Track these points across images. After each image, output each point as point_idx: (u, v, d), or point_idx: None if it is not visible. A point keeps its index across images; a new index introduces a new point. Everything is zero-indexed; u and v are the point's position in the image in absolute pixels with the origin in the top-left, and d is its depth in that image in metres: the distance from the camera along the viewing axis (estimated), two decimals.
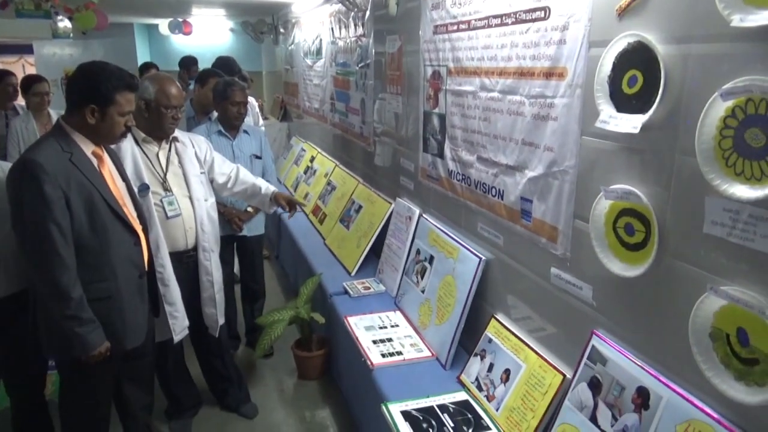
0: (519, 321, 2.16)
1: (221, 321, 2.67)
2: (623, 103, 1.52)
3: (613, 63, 1.53)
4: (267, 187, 2.75)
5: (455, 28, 2.47)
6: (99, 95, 1.86)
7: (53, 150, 1.82)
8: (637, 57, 1.45)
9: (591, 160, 1.68)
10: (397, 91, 3.28)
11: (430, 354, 2.50)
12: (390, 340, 2.63)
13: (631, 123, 1.45)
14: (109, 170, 2.00)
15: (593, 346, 1.69)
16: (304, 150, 5.89)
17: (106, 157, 2.01)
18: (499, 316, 2.26)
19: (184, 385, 2.78)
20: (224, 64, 4.44)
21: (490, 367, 2.16)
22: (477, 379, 2.20)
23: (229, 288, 3.36)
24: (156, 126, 2.39)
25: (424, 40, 2.81)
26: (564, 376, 1.82)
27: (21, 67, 12.42)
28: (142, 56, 9.41)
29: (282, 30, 7.04)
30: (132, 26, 9.34)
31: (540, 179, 1.93)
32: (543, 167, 1.91)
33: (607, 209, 1.60)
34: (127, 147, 2.38)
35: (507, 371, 2.07)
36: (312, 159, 5.48)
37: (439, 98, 2.70)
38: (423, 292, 2.74)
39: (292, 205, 2.78)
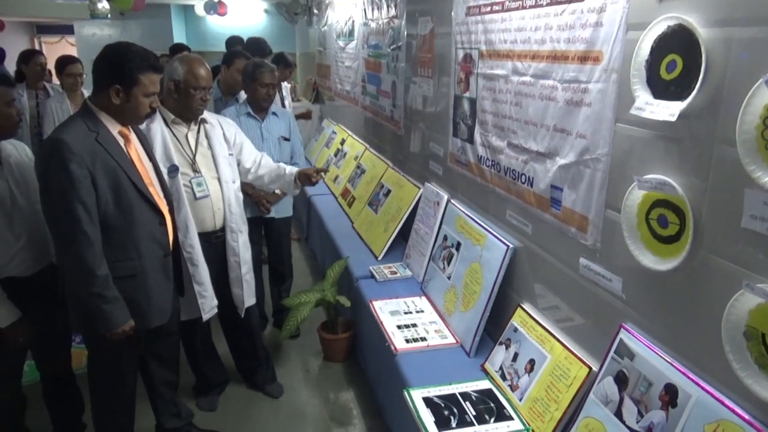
0: (545, 311, 2.12)
1: (249, 302, 2.70)
2: (661, 90, 1.45)
3: (652, 47, 1.46)
4: (290, 169, 2.74)
5: (488, 9, 2.40)
6: (123, 76, 1.87)
7: (80, 130, 1.85)
8: (677, 41, 1.38)
9: (625, 148, 1.62)
10: (427, 75, 3.23)
11: (454, 341, 2.48)
12: (414, 325, 2.62)
13: (668, 110, 1.39)
14: (135, 150, 2.02)
15: (621, 339, 1.65)
16: (335, 133, 5.89)
17: (132, 137, 2.04)
18: (526, 306, 2.22)
19: (212, 363, 2.83)
20: (255, 45, 4.44)
21: (515, 356, 2.13)
22: (501, 368, 2.17)
23: (257, 269, 3.40)
24: (185, 107, 2.41)
25: (456, 22, 2.75)
26: (590, 368, 1.79)
27: (62, 47, 12.70)
28: (178, 37, 9.53)
29: (315, 11, 7.00)
30: (168, 7, 9.46)
31: (571, 167, 1.88)
32: (575, 155, 1.85)
33: (640, 200, 1.54)
34: (157, 128, 2.40)
35: (532, 361, 2.04)
36: (342, 142, 5.47)
37: (470, 82, 2.64)
38: (449, 278, 2.72)
39: (315, 175, 2.72)
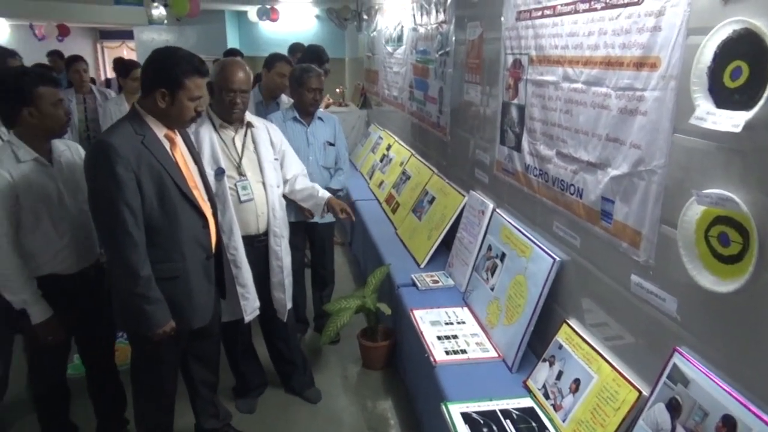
0: (593, 329, 2.03)
1: (289, 305, 2.71)
2: (724, 98, 1.35)
3: (715, 53, 1.37)
4: (323, 193, 2.73)
5: (539, 13, 2.33)
6: (169, 79, 1.90)
7: (127, 132, 1.89)
8: (743, 46, 1.29)
9: (683, 160, 1.53)
10: (475, 80, 3.17)
11: (496, 355, 2.41)
12: (455, 337, 2.56)
13: (732, 121, 1.29)
14: (181, 153, 2.05)
15: (675, 364, 1.55)
16: (381, 138, 5.88)
17: (178, 140, 2.07)
18: (572, 322, 2.13)
19: (251, 365, 2.85)
20: (313, 52, 4.49)
21: (559, 374, 2.04)
22: (544, 386, 2.09)
23: (299, 273, 3.42)
24: (221, 109, 2.44)
25: (505, 27, 2.68)
26: (640, 393, 1.69)
27: (122, 52, 13.25)
28: (232, 42, 9.76)
29: (365, 16, 7.03)
30: (223, 13, 9.69)
31: (624, 178, 1.78)
32: (628, 166, 1.76)
33: (699, 216, 1.44)
34: (206, 132, 2.44)
35: (577, 381, 1.95)
36: (388, 147, 5.46)
37: (518, 88, 2.57)
38: (492, 289, 2.64)
39: (341, 213, 2.71)
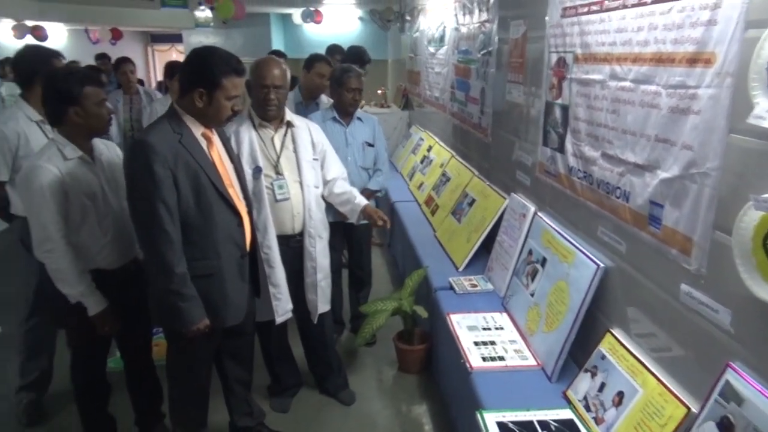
0: (638, 340, 1.93)
1: (323, 308, 2.69)
2: None
3: None
4: (360, 199, 2.70)
5: (586, 10, 2.24)
6: (206, 79, 1.91)
7: (165, 131, 1.91)
8: None
9: (739, 162, 1.43)
10: (518, 80, 3.09)
11: (535, 363, 2.33)
12: (493, 343, 2.49)
13: None
14: (217, 152, 2.06)
15: (727, 380, 1.45)
16: (422, 139, 5.83)
17: (215, 139, 2.08)
18: (616, 331, 2.03)
19: (286, 365, 2.85)
20: (355, 53, 4.50)
21: (602, 386, 1.95)
22: (585, 397, 2.00)
23: (337, 274, 3.40)
24: (257, 106, 2.45)
25: (550, 25, 2.59)
26: (688, 409, 1.59)
27: (172, 55, 13.63)
28: (277, 44, 9.89)
29: (408, 17, 7.00)
30: (268, 16, 9.84)
31: (674, 181, 1.69)
32: (679, 168, 1.66)
33: (756, 222, 1.34)
34: (246, 131, 2.46)
35: (620, 394, 1.85)
36: (429, 149, 5.40)
37: (562, 88, 2.48)
38: (532, 295, 2.56)
39: (378, 219, 2.64)
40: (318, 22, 8.94)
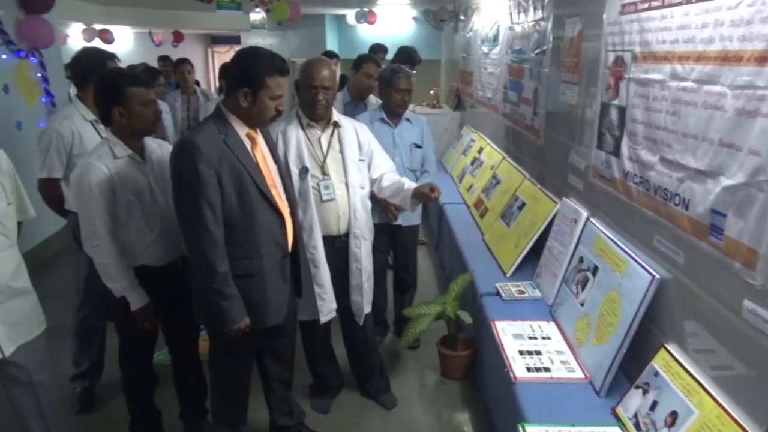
0: (695, 357, 1.81)
1: (367, 310, 2.67)
2: None
3: None
4: (409, 184, 2.62)
5: (646, 6, 2.12)
6: (250, 79, 1.92)
7: (210, 131, 1.93)
8: None
9: None
10: (572, 80, 2.97)
11: (582, 376, 2.23)
12: (539, 353, 2.40)
13: None
14: (261, 152, 2.07)
15: None
16: (473, 140, 5.74)
17: (260, 139, 2.09)
18: (671, 347, 1.91)
19: (328, 365, 2.85)
20: (404, 53, 4.46)
21: (654, 404, 1.84)
22: (635, 415, 1.89)
23: (381, 276, 3.39)
24: (305, 106, 2.45)
25: (608, 22, 2.48)
26: None
27: (230, 57, 13.97)
28: (331, 45, 10.00)
29: (462, 17, 6.91)
30: (323, 17, 9.95)
31: (739, 189, 1.56)
32: (745, 175, 1.54)
33: None
34: (293, 131, 2.47)
35: (674, 414, 1.74)
36: (480, 150, 5.31)
37: (620, 88, 2.36)
38: (582, 305, 2.45)
39: (429, 192, 2.50)
40: (372, 23, 8.97)
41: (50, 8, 4.78)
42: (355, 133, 2.57)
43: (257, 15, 6.50)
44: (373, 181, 2.65)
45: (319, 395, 2.88)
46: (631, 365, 2.10)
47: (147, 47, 11.56)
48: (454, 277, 3.55)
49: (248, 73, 1.92)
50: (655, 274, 2.01)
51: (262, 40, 11.48)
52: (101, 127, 2.59)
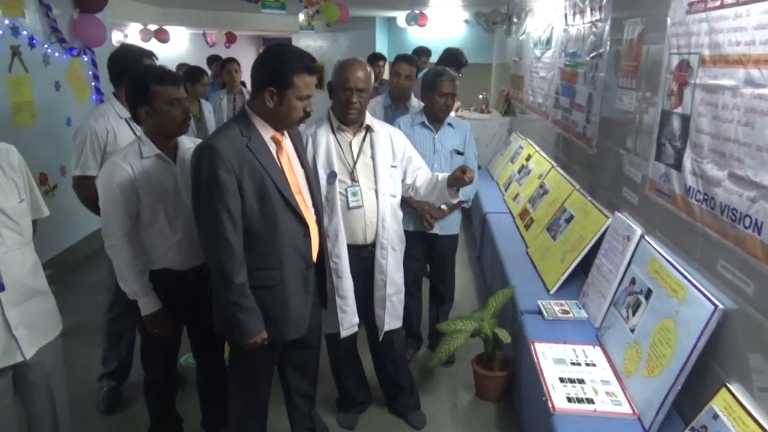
0: (763, 401, 1.58)
1: (392, 325, 2.53)
2: None
3: None
4: (443, 175, 2.43)
5: (718, 3, 1.90)
6: (277, 77, 1.81)
7: (233, 134, 1.83)
8: None
9: None
10: (630, 86, 2.75)
11: (630, 411, 2.02)
12: (581, 381, 2.20)
13: None
14: (287, 157, 1.96)
15: None
16: (522, 147, 5.52)
17: (286, 143, 1.98)
18: (734, 387, 1.68)
19: (354, 379, 2.72)
20: (451, 56, 4.30)
21: None
22: None
23: (415, 286, 3.24)
24: (338, 109, 2.33)
25: (672, 23, 2.26)
26: None
27: None
28: (381, 48, 9.92)
29: (515, 19, 6.68)
30: (374, 19, 9.89)
31: None
32: None
33: None
34: (324, 134, 2.36)
35: None
36: (528, 158, 5.09)
37: (683, 95, 2.14)
38: (632, 331, 2.24)
39: (461, 175, 2.27)
40: (422, 26, 8.83)
41: (104, 7, 4.87)
42: (389, 139, 2.43)
43: (305, 16, 6.46)
44: (408, 186, 2.51)
45: (345, 410, 2.75)
46: (686, 403, 1.89)
47: (201, 48, 11.79)
48: (495, 289, 3.37)
49: (275, 72, 1.81)
50: (718, 303, 1.79)
51: (313, 42, 11.53)
52: (135, 125, 2.55)
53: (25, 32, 4.13)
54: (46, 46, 4.38)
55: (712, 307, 1.80)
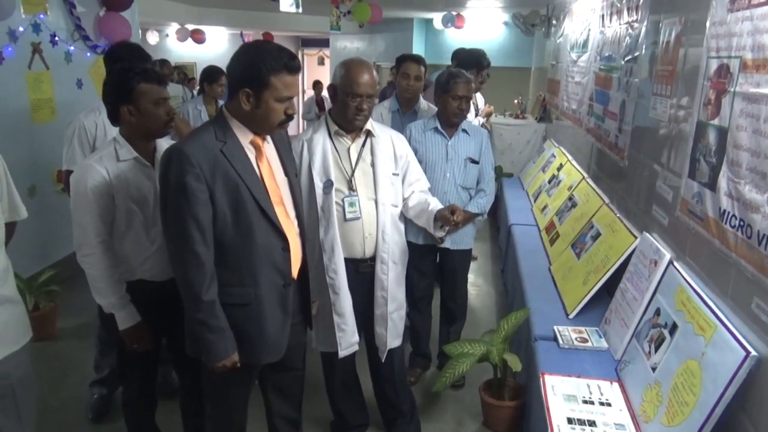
0: None
1: (393, 344, 2.34)
2: None
3: None
4: (435, 204, 2.26)
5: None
6: (252, 78, 1.64)
7: (206, 138, 1.68)
8: None
9: None
10: (665, 93, 2.48)
11: None
12: (592, 424, 1.95)
13: None
14: (267, 163, 1.79)
15: None
16: (554, 156, 5.23)
17: (267, 148, 1.81)
18: None
19: (351, 402, 2.55)
20: (471, 56, 4.02)
21: None
22: None
23: (424, 302, 3.04)
24: (342, 115, 2.15)
25: (712, 22, 2.00)
26: None
27: (318, 59, 14.16)
28: (417, 49, 9.73)
29: (554, 21, 6.39)
30: (411, 21, 9.72)
31: None
32: None
33: None
34: (319, 139, 2.19)
35: None
36: (560, 167, 4.80)
37: (721, 104, 1.88)
38: (653, 370, 1.98)
39: (450, 216, 2.13)
40: (459, 27, 8.61)
41: (130, 5, 4.86)
42: (391, 144, 2.25)
43: (334, 17, 6.33)
44: (403, 199, 2.33)
45: None
46: None
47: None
48: (515, 308, 3.13)
49: (250, 72, 1.65)
50: (751, 349, 1.53)
51: (350, 44, 11.46)
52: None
53: (46, 29, 4.13)
54: (68, 43, 4.38)
55: (744, 353, 1.54)
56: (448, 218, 2.11)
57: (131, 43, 2.84)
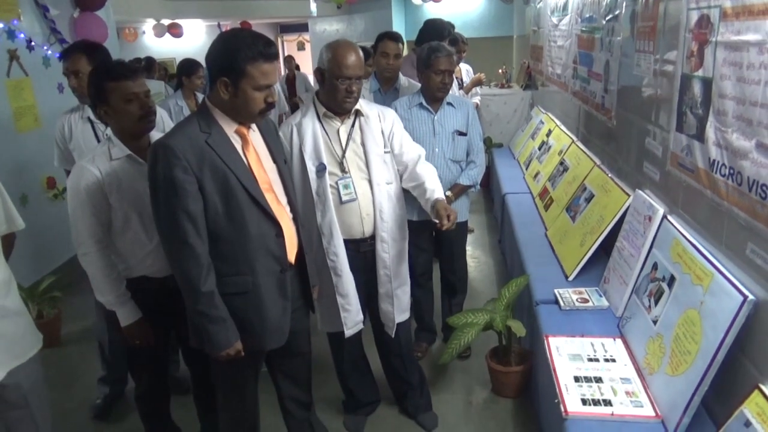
0: None
1: (400, 319, 2.37)
2: None
3: None
4: (433, 191, 2.24)
5: None
6: (229, 67, 1.63)
7: (191, 131, 1.67)
8: None
9: None
10: (647, 49, 2.49)
11: (653, 414, 1.81)
12: (599, 380, 2.00)
13: None
14: (254, 151, 1.79)
15: None
16: (543, 122, 5.24)
17: (253, 136, 1.81)
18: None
19: (360, 380, 2.58)
20: (431, 28, 3.89)
21: None
22: None
23: (425, 277, 3.07)
24: (331, 99, 2.14)
25: None
26: None
27: (297, 44, 13.99)
28: (398, 27, 9.62)
29: None
30: None
31: None
32: None
33: None
34: (309, 123, 2.19)
35: None
36: (548, 133, 4.81)
37: (704, 55, 1.89)
38: (655, 323, 2.02)
39: (445, 222, 2.10)
40: (437, 1, 8.53)
41: (103, 4, 4.78)
42: (380, 122, 2.24)
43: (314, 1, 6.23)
44: (400, 175, 2.33)
45: (352, 412, 2.62)
46: (716, 402, 1.68)
47: None
48: (513, 276, 3.16)
49: (226, 61, 1.64)
50: (747, 294, 1.56)
51: (329, 26, 11.33)
52: (100, 126, 2.56)
53: (22, 35, 4.07)
54: (45, 47, 4.32)
55: (741, 297, 1.57)
56: (441, 216, 2.09)
57: (96, 44, 2.79)
